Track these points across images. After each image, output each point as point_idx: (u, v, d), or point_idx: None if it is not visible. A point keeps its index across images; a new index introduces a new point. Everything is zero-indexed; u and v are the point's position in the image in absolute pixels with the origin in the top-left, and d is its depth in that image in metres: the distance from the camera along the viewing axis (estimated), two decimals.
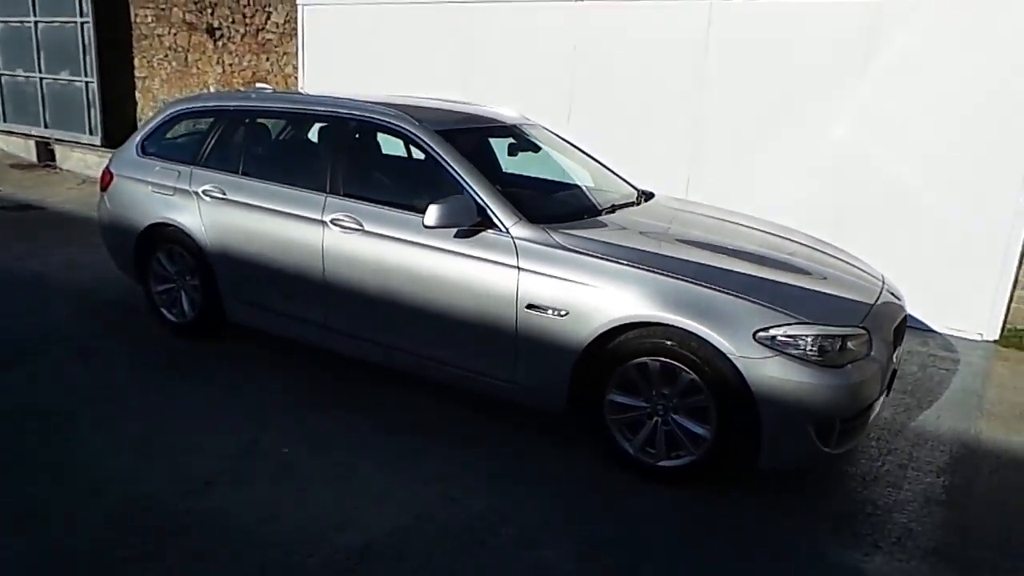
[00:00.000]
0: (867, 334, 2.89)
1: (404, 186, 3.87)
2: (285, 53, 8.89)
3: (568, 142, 4.64)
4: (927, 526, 2.89)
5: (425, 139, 3.56)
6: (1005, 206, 5.08)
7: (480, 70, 7.13)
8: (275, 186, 3.92)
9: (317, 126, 4.11)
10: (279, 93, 4.41)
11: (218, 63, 9.58)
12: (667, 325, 2.88)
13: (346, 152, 3.83)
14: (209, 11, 9.48)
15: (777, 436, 2.80)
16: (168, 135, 4.59)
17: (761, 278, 3.01)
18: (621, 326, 2.96)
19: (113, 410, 3.53)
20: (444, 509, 2.84)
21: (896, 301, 3.34)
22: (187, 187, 4.19)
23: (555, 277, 3.10)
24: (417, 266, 3.40)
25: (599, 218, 3.57)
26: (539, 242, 3.19)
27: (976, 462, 3.44)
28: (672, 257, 3.07)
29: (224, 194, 4.04)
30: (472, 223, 3.27)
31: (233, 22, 9.28)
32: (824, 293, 3.03)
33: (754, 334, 2.77)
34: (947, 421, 3.84)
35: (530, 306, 3.14)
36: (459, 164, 3.45)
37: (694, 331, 2.83)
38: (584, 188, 4.14)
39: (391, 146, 4.12)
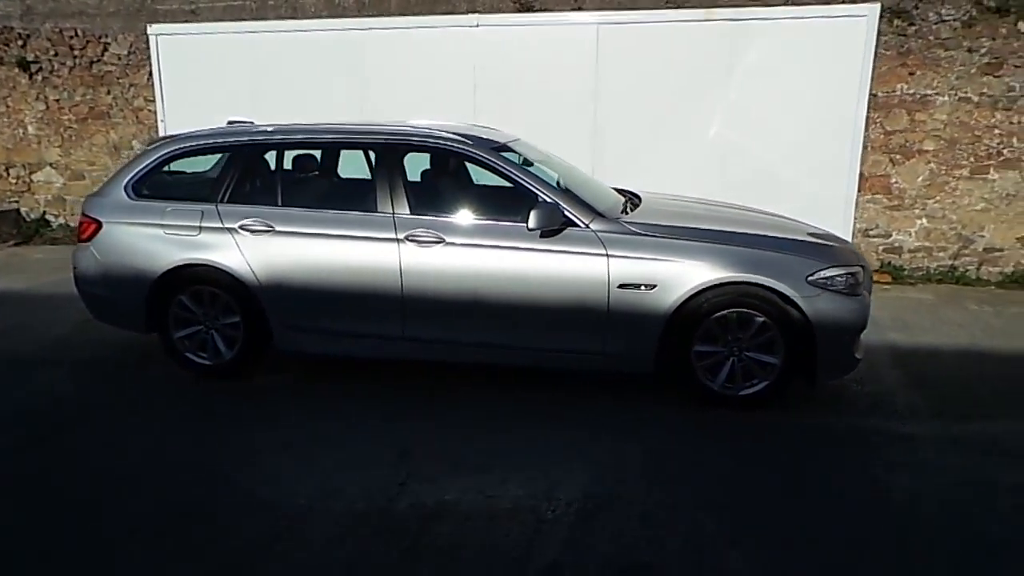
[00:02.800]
0: (863, 270, 3.96)
1: (476, 199, 4.23)
2: (132, 85, 8.31)
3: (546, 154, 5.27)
4: (920, 399, 4.05)
5: (489, 158, 4.01)
6: (840, 180, 6.67)
7: (378, 92, 7.40)
8: (331, 212, 4.09)
9: (362, 153, 4.30)
10: (300, 124, 4.45)
11: (39, 99, 8.61)
12: (743, 283, 3.70)
13: (404, 174, 4.11)
14: (19, 43, 8.49)
15: (828, 353, 3.75)
16: (161, 175, 4.43)
17: (792, 239, 3.95)
18: (704, 289, 3.72)
19: (235, 452, 3.51)
20: (614, 459, 3.39)
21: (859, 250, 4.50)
22: (218, 224, 4.15)
23: (641, 258, 3.77)
24: (510, 266, 3.85)
25: (641, 210, 4.27)
26: (619, 232, 3.84)
27: (910, 358, 4.73)
28: (726, 231, 3.90)
29: (271, 227, 4.09)
30: (560, 223, 3.81)
31: (56, 54, 8.43)
32: (831, 245, 4.05)
33: (806, 278, 3.70)
34: (870, 336, 5.09)
35: (621, 285, 3.77)
36: (527, 175, 3.97)
37: (764, 283, 3.68)
38: (593, 191, 4.76)
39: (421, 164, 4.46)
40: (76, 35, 8.32)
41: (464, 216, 4.01)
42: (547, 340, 3.95)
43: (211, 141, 4.38)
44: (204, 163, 4.76)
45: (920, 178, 6.70)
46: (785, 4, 6.61)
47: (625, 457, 3.43)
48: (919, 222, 6.78)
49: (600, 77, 6.93)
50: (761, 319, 3.73)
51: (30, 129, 8.75)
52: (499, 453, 3.47)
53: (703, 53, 6.69)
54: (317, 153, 4.58)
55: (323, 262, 4.04)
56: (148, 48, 7.93)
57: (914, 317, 5.64)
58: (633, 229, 3.86)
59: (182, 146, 4.39)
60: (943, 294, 6.37)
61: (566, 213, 3.86)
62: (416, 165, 4.50)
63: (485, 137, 4.30)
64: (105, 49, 8.28)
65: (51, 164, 8.80)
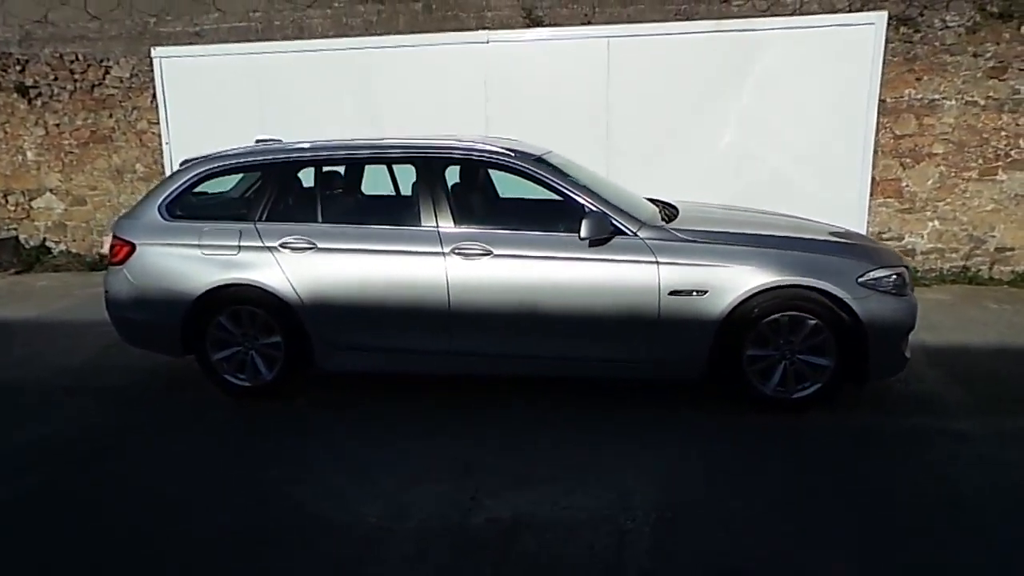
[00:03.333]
0: (907, 270, 4.00)
1: (517, 211, 4.22)
2: (135, 108, 8.21)
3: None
4: (965, 396, 4.08)
5: (535, 169, 4.00)
6: (853, 184, 6.73)
7: (388, 108, 7.36)
8: (374, 228, 4.05)
9: (403, 167, 4.28)
10: (336, 140, 4.40)
11: (38, 124, 8.47)
12: (795, 286, 3.71)
13: (447, 187, 4.09)
14: (18, 68, 8.36)
15: (879, 354, 3.76)
16: (195, 195, 4.38)
17: (838, 242, 3.98)
18: (755, 293, 3.72)
19: (287, 472, 3.43)
20: (673, 467, 3.37)
21: None
22: (258, 243, 4.09)
23: (691, 264, 3.77)
24: (560, 276, 3.83)
25: (682, 217, 4.25)
26: (667, 239, 3.84)
27: (944, 356, 4.76)
28: (775, 235, 3.92)
29: (313, 244, 4.03)
30: (608, 232, 3.81)
31: (56, 79, 8.31)
32: (874, 247, 4.09)
33: (856, 280, 3.72)
34: None
35: (672, 292, 3.76)
36: (573, 185, 3.97)
37: (817, 286, 3.69)
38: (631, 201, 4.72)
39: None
40: (77, 59, 8.22)
41: (510, 227, 3.98)
42: (598, 350, 3.93)
43: (247, 160, 4.32)
44: (226, 183, 4.72)
45: (930, 181, 6.80)
46: (793, 14, 6.70)
47: (684, 464, 3.40)
48: (931, 224, 6.88)
49: (612, 89, 6.96)
50: (813, 321, 3.74)
51: (29, 155, 8.60)
52: (557, 464, 3.43)
53: (714, 64, 6.74)
54: (355, 168, 4.54)
55: (367, 278, 3.99)
56: (151, 71, 7.82)
57: (939, 317, 5.69)
58: (681, 236, 3.86)
59: (217, 165, 4.33)
60: (959, 294, 6.45)
61: (614, 222, 3.85)
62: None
63: (524, 150, 4.29)
64: (107, 72, 8.19)
65: (51, 190, 8.65)
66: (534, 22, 7.17)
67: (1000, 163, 6.64)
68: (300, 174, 4.33)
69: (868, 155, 6.67)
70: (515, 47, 7.06)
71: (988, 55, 6.47)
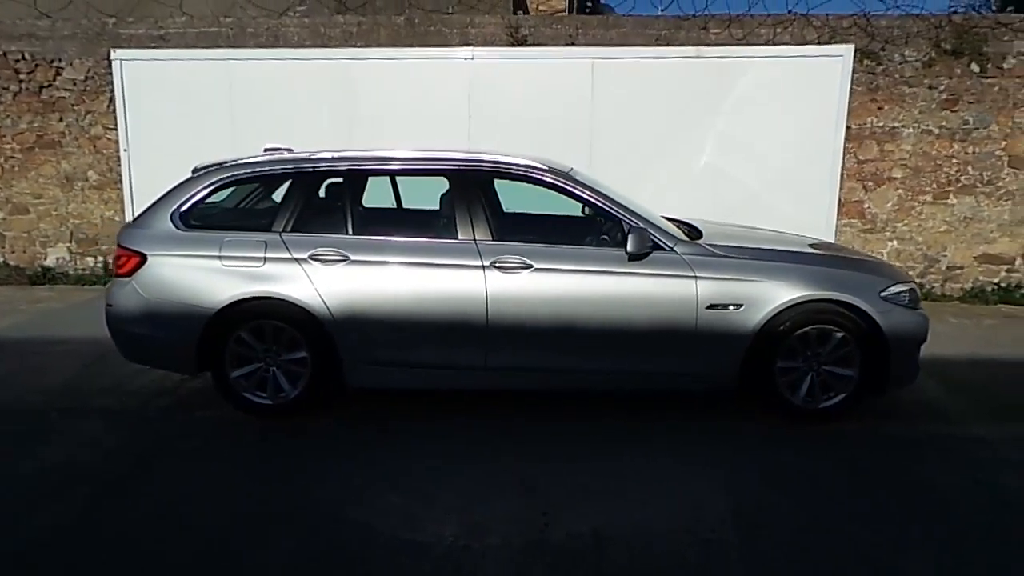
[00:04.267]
0: (916, 286, 4.25)
1: (552, 225, 4.22)
2: (89, 112, 7.74)
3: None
4: (966, 404, 4.36)
5: (573, 186, 4.04)
6: (822, 205, 7.10)
7: (368, 121, 7.25)
8: (409, 240, 3.98)
9: (433, 180, 4.21)
10: (365, 151, 4.25)
11: None
12: (824, 300, 3.88)
13: (483, 201, 4.06)
14: None
15: (899, 365, 3.97)
16: (210, 204, 4.17)
17: (856, 259, 4.19)
18: (787, 307, 3.87)
19: (340, 494, 3.29)
20: (734, 477, 3.45)
21: None
22: (285, 255, 3.93)
23: (728, 279, 3.88)
24: (603, 291, 3.86)
25: (709, 234, 4.35)
26: (704, 255, 3.95)
27: (933, 368, 4.97)
28: (802, 252, 4.09)
29: (345, 256, 3.91)
30: (649, 248, 3.87)
31: None
32: (886, 263, 4.33)
33: (879, 294, 3.93)
34: None
35: (710, 306, 3.87)
36: (611, 201, 4.02)
37: (846, 300, 3.88)
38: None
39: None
40: (23, 58, 7.69)
41: (549, 241, 3.99)
42: (637, 363, 3.98)
43: (270, 168, 4.16)
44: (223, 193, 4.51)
45: (890, 203, 7.25)
46: (767, 44, 7.03)
47: (741, 474, 3.48)
48: (890, 244, 7.32)
49: (595, 109, 7.10)
50: (840, 334, 3.91)
51: None
52: (619, 477, 3.44)
53: (693, 88, 6.99)
54: (384, 180, 4.45)
55: (403, 292, 3.91)
56: (109, 73, 7.45)
57: None
58: (716, 252, 3.98)
59: (237, 173, 4.15)
60: None
61: (653, 237, 3.93)
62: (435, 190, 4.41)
63: (554, 165, 4.31)
64: (58, 74, 7.69)
65: None
66: (519, 41, 7.23)
67: (951, 188, 7.16)
68: (326, 184, 4.20)
69: (836, 178, 7.07)
70: (500, 64, 7.11)
71: (942, 88, 6.99)
